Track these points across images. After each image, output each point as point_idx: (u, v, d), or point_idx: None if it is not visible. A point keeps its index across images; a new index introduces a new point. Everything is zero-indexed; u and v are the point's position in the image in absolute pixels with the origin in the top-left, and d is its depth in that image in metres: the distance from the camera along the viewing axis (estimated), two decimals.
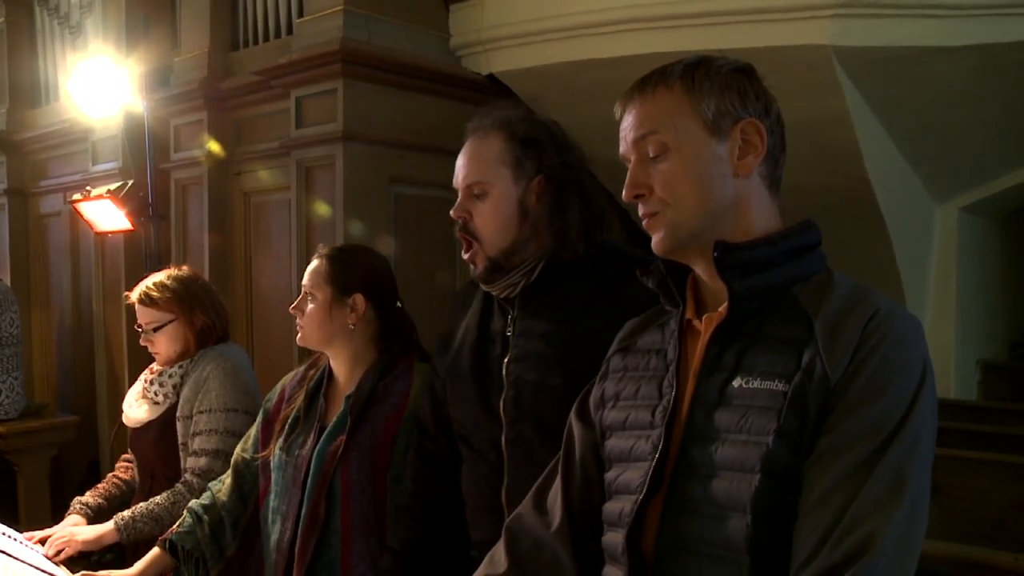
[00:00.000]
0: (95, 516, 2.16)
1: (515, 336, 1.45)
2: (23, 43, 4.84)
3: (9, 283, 4.32)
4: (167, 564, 1.88)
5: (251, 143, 3.44)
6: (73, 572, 1.82)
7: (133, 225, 3.60)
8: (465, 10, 3.25)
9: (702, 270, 1.09)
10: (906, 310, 1.01)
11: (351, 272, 1.84)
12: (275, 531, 1.83)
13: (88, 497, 2.22)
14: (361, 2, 2.94)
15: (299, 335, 1.87)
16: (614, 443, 1.13)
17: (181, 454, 2.13)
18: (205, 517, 1.90)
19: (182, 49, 3.67)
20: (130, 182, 3.61)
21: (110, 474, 2.35)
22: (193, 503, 1.93)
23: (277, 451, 1.87)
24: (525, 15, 3.09)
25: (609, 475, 1.13)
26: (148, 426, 2.19)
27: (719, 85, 1.05)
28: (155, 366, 2.26)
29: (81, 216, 3.84)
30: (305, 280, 1.87)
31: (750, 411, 0.97)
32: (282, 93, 3.13)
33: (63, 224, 4.61)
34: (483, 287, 1.52)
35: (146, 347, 2.22)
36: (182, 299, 2.17)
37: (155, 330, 2.16)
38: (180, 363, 2.19)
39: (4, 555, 1.58)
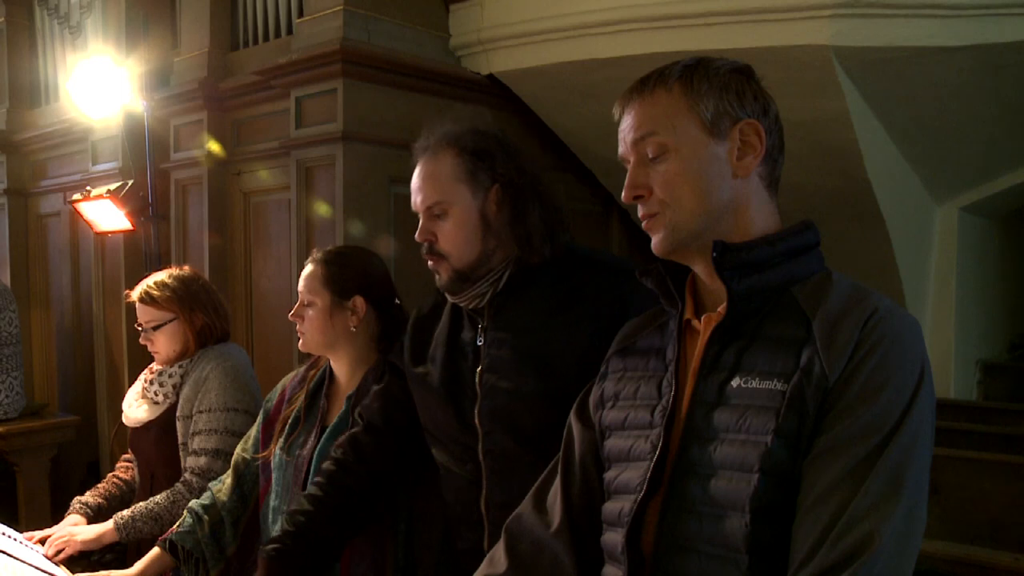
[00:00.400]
0: (95, 516, 2.16)
1: (486, 346, 1.45)
2: (23, 43, 4.84)
3: (9, 283, 4.32)
4: (167, 564, 1.88)
5: (251, 143, 3.44)
6: (73, 572, 1.82)
7: (133, 225, 3.60)
8: (465, 10, 3.25)
9: (701, 270, 1.09)
10: (904, 310, 1.01)
11: (348, 275, 1.84)
12: (276, 531, 1.82)
13: (88, 497, 2.22)
14: (361, 2, 2.94)
15: (301, 341, 1.85)
16: (613, 443, 1.14)
17: (181, 454, 2.13)
18: (205, 517, 1.90)
19: (182, 49, 3.67)
20: (130, 182, 3.61)
21: (110, 474, 2.35)
22: (193, 503, 1.93)
23: (277, 451, 1.87)
24: (525, 15, 3.09)
25: (608, 475, 1.13)
26: (148, 426, 2.19)
27: (718, 86, 1.05)
28: (155, 366, 2.26)
29: (81, 216, 3.84)
30: (301, 287, 1.85)
31: (749, 410, 0.97)
32: (282, 93, 3.13)
33: (63, 224, 4.61)
34: (450, 299, 1.52)
35: (146, 346, 2.22)
36: (182, 298, 2.17)
37: (154, 329, 2.16)
38: (180, 363, 2.19)
39: (4, 555, 1.58)
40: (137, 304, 2.18)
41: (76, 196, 3.76)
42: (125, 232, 3.72)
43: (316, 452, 1.79)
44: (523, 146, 3.31)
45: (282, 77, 3.06)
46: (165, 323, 2.16)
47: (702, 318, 1.07)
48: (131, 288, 2.25)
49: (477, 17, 3.22)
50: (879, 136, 3.14)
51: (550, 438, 1.33)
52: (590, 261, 1.49)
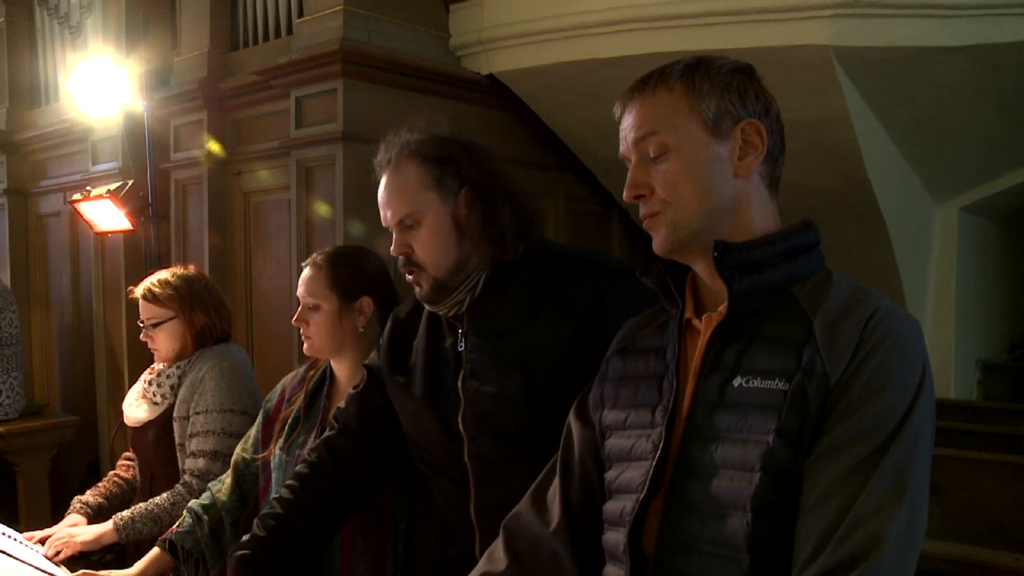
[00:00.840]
0: (95, 515, 2.16)
1: (467, 351, 1.44)
2: (23, 43, 4.84)
3: (9, 283, 4.32)
4: (167, 564, 1.88)
5: (251, 143, 3.44)
6: (73, 572, 1.82)
7: (133, 225, 3.60)
8: (465, 10, 3.25)
9: (702, 270, 1.09)
10: (905, 310, 1.01)
11: (354, 276, 1.83)
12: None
13: (88, 496, 2.22)
14: (361, 2, 2.94)
15: (306, 346, 1.84)
16: (614, 443, 1.14)
17: (179, 455, 2.13)
18: (205, 517, 1.90)
19: (182, 49, 3.67)
20: (130, 182, 3.60)
21: (111, 472, 2.35)
22: (193, 503, 1.93)
23: (277, 451, 1.87)
24: (525, 15, 3.09)
25: (609, 474, 1.13)
26: (147, 426, 2.20)
27: (719, 85, 1.04)
28: (156, 365, 2.26)
29: (81, 216, 3.84)
30: (302, 291, 1.83)
31: (750, 410, 0.97)
32: (282, 93, 3.13)
33: (63, 224, 4.61)
34: (429, 308, 1.50)
35: (146, 344, 2.22)
36: (183, 297, 2.17)
37: (154, 326, 2.17)
38: (178, 363, 2.19)
39: (4, 555, 1.58)
40: (140, 300, 2.19)
41: (76, 196, 3.76)
42: (125, 232, 3.72)
43: None
44: (512, 142, 3.27)
45: (282, 77, 3.06)
46: (165, 321, 2.17)
47: (703, 318, 1.07)
48: (132, 287, 2.25)
49: (477, 17, 3.22)
50: (879, 136, 3.14)
51: (536, 440, 1.34)
52: (564, 257, 1.48)
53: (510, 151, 3.52)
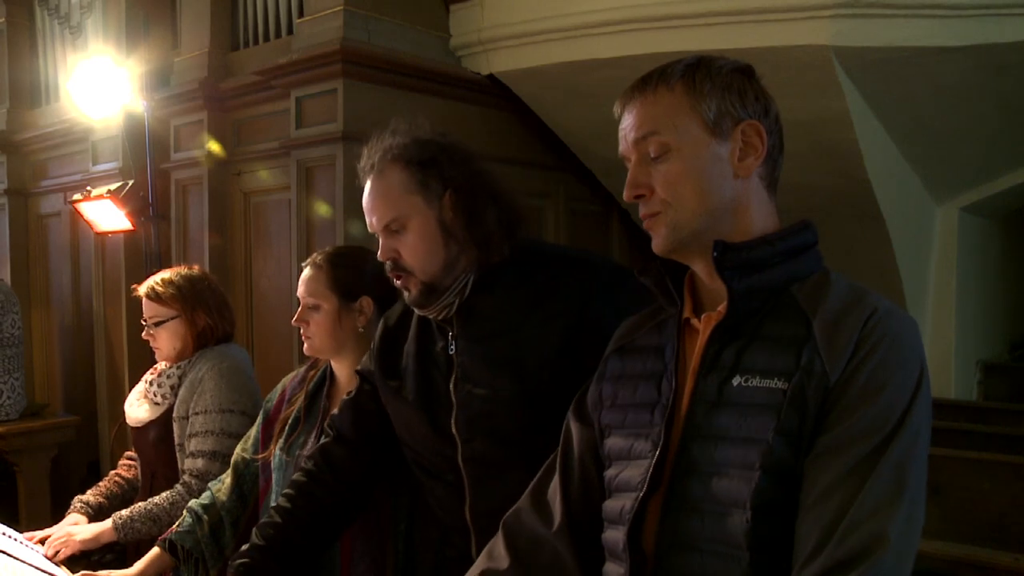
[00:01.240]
0: (96, 514, 2.16)
1: (458, 354, 1.43)
2: (23, 43, 4.84)
3: (9, 283, 4.32)
4: (167, 564, 1.88)
5: (251, 143, 3.44)
6: (73, 572, 1.82)
7: (133, 225, 3.60)
8: (465, 10, 3.25)
9: (701, 269, 1.09)
10: (903, 310, 1.01)
11: (354, 276, 1.83)
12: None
13: (89, 495, 2.22)
14: (361, 2, 2.95)
15: (306, 346, 1.84)
16: (613, 442, 1.14)
17: (178, 455, 2.13)
18: (204, 516, 1.90)
19: (182, 49, 3.68)
20: (130, 182, 3.61)
21: (112, 472, 2.35)
22: (192, 503, 1.93)
23: (277, 451, 1.87)
24: (525, 15, 3.10)
25: (609, 473, 1.13)
26: (148, 426, 2.20)
27: (720, 86, 1.05)
28: (158, 366, 2.26)
29: (81, 216, 3.84)
30: (303, 291, 1.83)
31: (749, 409, 0.97)
32: (282, 93, 3.13)
33: (63, 224, 4.61)
34: (418, 312, 1.49)
35: (146, 344, 2.23)
36: (186, 297, 2.18)
37: (156, 325, 2.18)
38: (179, 364, 2.19)
39: (4, 555, 1.58)
40: (143, 299, 2.20)
41: (76, 196, 3.76)
42: (125, 232, 3.72)
43: None
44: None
45: (282, 77, 3.06)
46: (167, 320, 2.17)
47: (702, 317, 1.08)
48: (136, 285, 2.25)
49: (477, 17, 3.22)
50: (879, 136, 3.14)
51: (530, 441, 1.34)
52: (552, 257, 1.48)
53: (510, 151, 3.52)
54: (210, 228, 3.52)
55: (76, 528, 2.04)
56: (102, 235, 3.95)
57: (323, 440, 1.65)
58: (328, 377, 1.91)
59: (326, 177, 3.00)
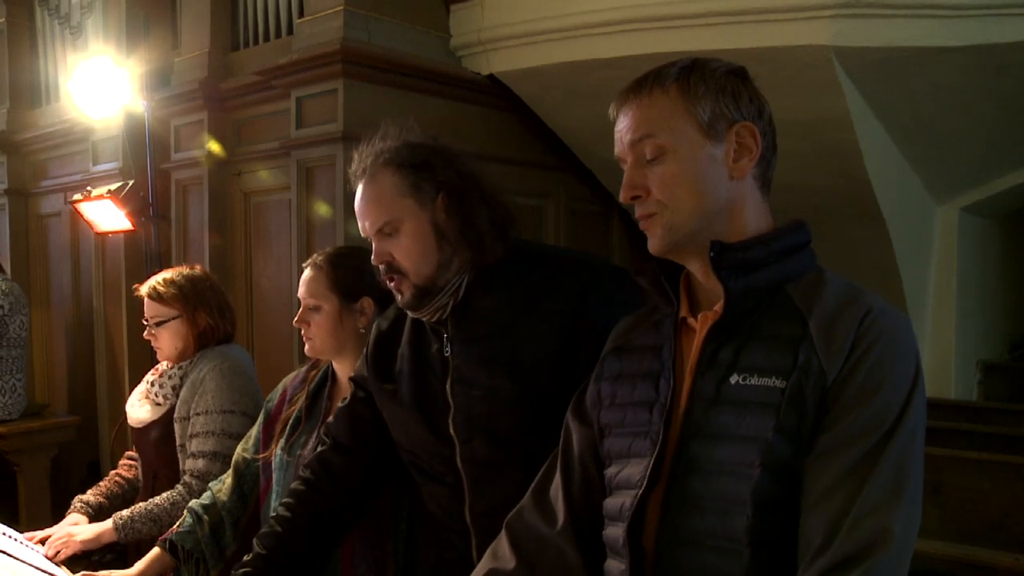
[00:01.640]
0: (96, 514, 2.16)
1: (454, 356, 1.44)
2: (23, 43, 4.84)
3: None
4: (167, 564, 1.88)
5: (251, 143, 3.44)
6: (74, 572, 1.82)
7: (133, 225, 3.60)
8: (465, 10, 3.25)
9: (697, 269, 1.11)
10: (896, 308, 1.03)
11: (354, 276, 1.82)
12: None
13: (89, 495, 2.22)
14: (361, 2, 2.95)
15: (308, 347, 1.84)
16: (613, 441, 1.15)
17: (179, 455, 2.13)
18: (205, 517, 1.90)
19: (182, 49, 3.68)
20: (130, 182, 3.61)
21: (112, 472, 2.35)
22: (193, 503, 1.93)
23: (278, 451, 1.87)
24: (525, 15, 3.10)
25: (609, 471, 1.15)
26: (150, 427, 2.20)
27: (714, 88, 1.06)
28: (160, 366, 2.26)
29: (82, 216, 3.85)
30: (303, 292, 1.83)
31: (748, 408, 0.99)
32: (282, 93, 3.13)
33: (63, 224, 4.61)
34: (412, 314, 1.50)
35: (147, 344, 2.23)
36: (187, 297, 2.18)
37: (157, 325, 2.18)
38: (180, 364, 2.19)
39: (4, 555, 1.59)
40: (144, 299, 2.20)
41: (77, 196, 3.76)
42: (125, 232, 3.72)
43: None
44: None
45: (282, 77, 3.06)
46: (168, 320, 2.17)
47: (698, 316, 1.09)
48: (137, 285, 2.26)
49: (477, 17, 3.22)
50: (879, 136, 3.14)
51: (528, 439, 1.34)
52: (545, 257, 1.48)
53: (510, 151, 3.52)
54: (210, 228, 3.52)
55: (77, 528, 2.04)
56: (102, 235, 3.95)
57: (320, 448, 1.65)
58: (330, 377, 1.91)
59: (326, 177, 3.00)
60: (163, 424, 2.17)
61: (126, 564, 1.90)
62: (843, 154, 3.08)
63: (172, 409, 2.16)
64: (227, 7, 3.53)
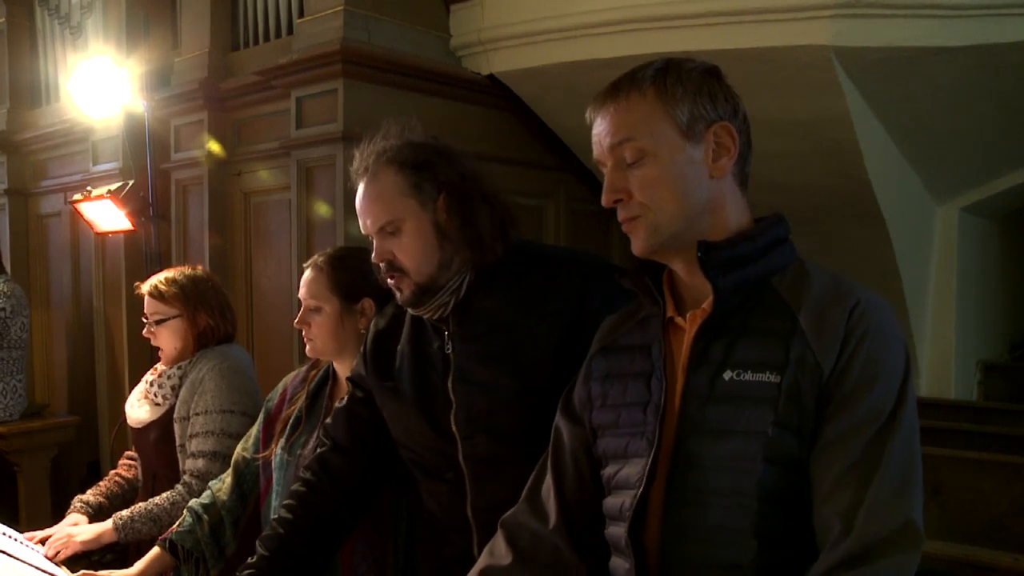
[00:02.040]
0: (96, 514, 2.16)
1: (455, 353, 1.45)
2: (23, 43, 4.84)
3: None
4: (167, 563, 1.88)
5: (251, 143, 3.44)
6: (74, 572, 1.82)
7: (133, 225, 3.60)
8: (465, 10, 3.25)
9: (681, 268, 1.12)
10: (879, 296, 1.05)
11: (355, 277, 1.82)
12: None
13: (89, 495, 2.22)
14: (361, 2, 2.95)
15: (309, 348, 1.84)
16: (608, 442, 1.16)
17: (179, 456, 2.13)
18: (205, 516, 1.90)
19: (182, 49, 3.68)
20: (130, 182, 3.61)
21: (112, 471, 2.35)
22: (193, 502, 1.93)
23: (279, 451, 1.87)
24: (525, 15, 3.10)
25: (607, 471, 1.15)
26: (149, 427, 2.20)
27: (691, 89, 1.07)
28: (159, 366, 2.26)
29: (82, 216, 3.85)
30: (304, 293, 1.83)
31: (744, 403, 1.01)
32: (282, 93, 3.13)
33: (63, 224, 4.61)
34: (412, 312, 1.51)
35: (147, 343, 2.23)
36: (188, 297, 2.18)
37: (158, 323, 2.18)
38: (179, 364, 2.19)
39: (4, 555, 1.59)
40: (145, 296, 2.20)
41: (77, 196, 3.76)
42: (126, 232, 3.72)
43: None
44: (511, 143, 3.26)
45: (282, 77, 3.06)
46: (169, 319, 2.17)
47: (687, 315, 1.11)
48: (139, 283, 2.26)
49: (477, 17, 3.22)
50: (879, 136, 3.14)
51: (529, 435, 1.35)
52: (545, 257, 1.50)
53: (510, 151, 3.52)
54: (210, 228, 3.52)
55: (76, 528, 2.04)
56: (102, 235, 3.95)
57: (319, 450, 1.66)
58: (330, 377, 1.91)
59: (326, 177, 3.00)
60: (162, 424, 2.17)
61: (126, 564, 1.90)
62: (843, 154, 3.08)
63: (171, 409, 2.16)
64: (227, 7, 3.53)
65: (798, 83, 2.75)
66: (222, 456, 2.04)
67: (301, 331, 1.87)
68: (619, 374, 1.17)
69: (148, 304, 2.19)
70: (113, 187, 3.59)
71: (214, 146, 3.47)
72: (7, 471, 3.89)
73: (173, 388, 2.17)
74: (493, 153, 3.34)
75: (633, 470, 1.09)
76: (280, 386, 2.01)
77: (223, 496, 1.93)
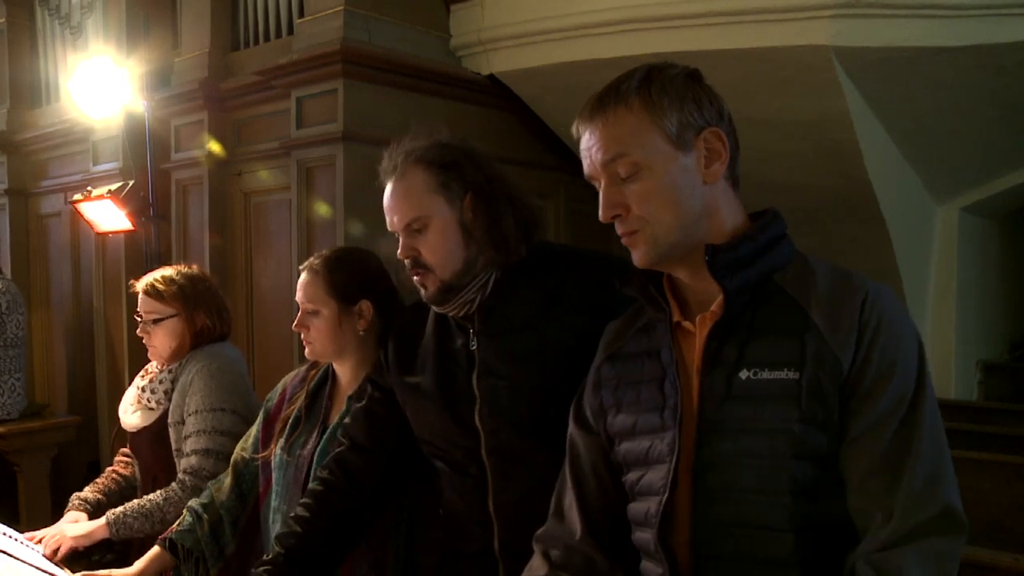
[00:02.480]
0: (95, 511, 2.15)
1: (480, 350, 1.47)
2: (24, 43, 4.84)
3: None
4: (167, 563, 1.88)
5: (251, 143, 3.44)
6: (74, 572, 1.82)
7: (134, 225, 3.60)
8: (465, 10, 3.25)
9: (684, 274, 1.14)
10: (883, 284, 1.08)
11: (352, 280, 1.82)
12: (276, 531, 1.82)
13: (87, 492, 2.21)
14: (361, 2, 2.95)
15: (308, 350, 1.84)
16: (628, 447, 1.16)
17: (176, 459, 2.12)
18: (204, 516, 1.90)
19: (182, 49, 3.68)
20: (131, 182, 3.61)
21: (109, 468, 2.34)
22: (192, 502, 1.93)
23: (278, 451, 1.87)
24: (525, 15, 3.10)
25: (630, 477, 1.16)
26: (144, 432, 2.18)
27: (677, 97, 1.08)
28: (150, 367, 2.25)
29: (82, 216, 3.85)
30: (301, 296, 1.83)
31: (764, 401, 1.02)
32: (282, 93, 3.13)
33: (64, 224, 4.61)
34: (436, 309, 1.52)
35: (142, 338, 2.20)
36: (187, 296, 2.17)
37: (154, 322, 2.15)
38: (170, 368, 2.17)
39: (4, 555, 1.59)
40: (140, 295, 2.18)
41: (77, 196, 3.76)
42: (126, 232, 3.73)
43: (317, 452, 1.79)
44: (513, 144, 3.27)
45: (283, 77, 3.06)
46: (165, 318, 2.15)
47: (696, 319, 1.11)
48: (134, 280, 2.23)
49: (478, 17, 3.22)
50: (879, 136, 3.14)
51: (552, 431, 1.36)
52: (568, 257, 1.53)
53: (510, 151, 3.52)
54: (210, 228, 3.52)
55: (68, 526, 2.03)
56: (102, 235, 3.95)
57: (338, 449, 1.67)
58: (330, 377, 1.91)
59: (326, 177, 3.00)
60: (157, 429, 2.15)
61: (127, 564, 1.90)
62: (843, 154, 3.08)
63: (165, 413, 2.14)
64: (227, 7, 3.53)
65: (798, 83, 2.75)
66: (215, 453, 2.04)
67: (300, 334, 1.86)
68: (630, 380, 1.18)
69: (144, 303, 2.17)
70: (113, 187, 3.59)
71: (214, 146, 3.47)
72: (7, 471, 3.89)
73: (166, 392, 2.15)
74: (493, 153, 3.25)
75: (656, 475, 1.09)
76: (280, 386, 2.01)
77: (222, 496, 1.93)
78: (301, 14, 3.11)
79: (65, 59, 4.49)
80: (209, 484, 1.98)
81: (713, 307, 1.08)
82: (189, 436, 2.07)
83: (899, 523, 0.95)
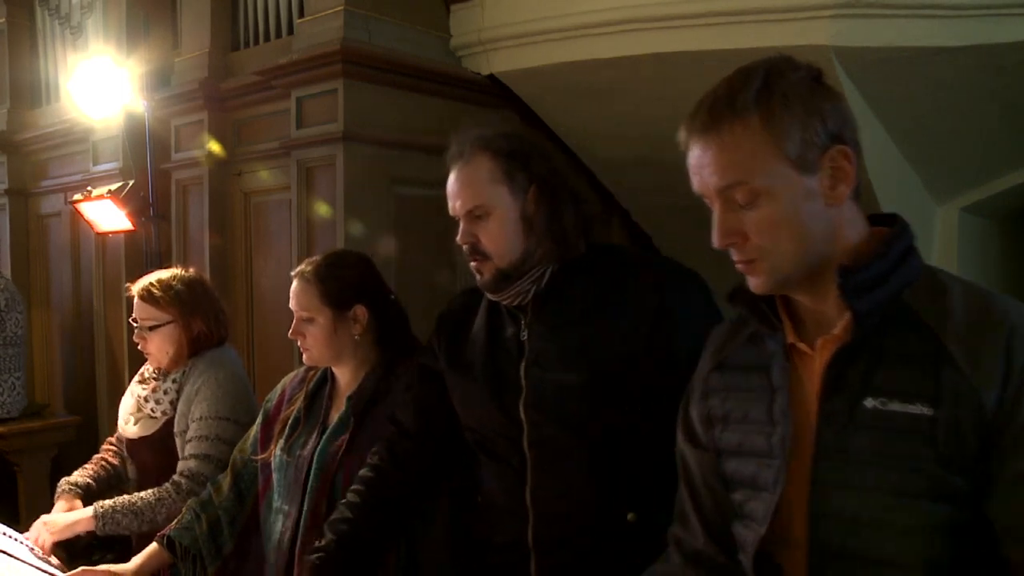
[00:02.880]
0: (85, 496, 2.11)
1: (531, 340, 1.48)
2: (24, 43, 4.84)
3: None
4: (164, 560, 1.88)
5: (251, 143, 3.44)
6: (72, 569, 1.82)
7: (134, 225, 3.60)
8: (465, 10, 3.25)
9: (804, 297, 1.07)
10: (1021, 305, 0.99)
11: (345, 286, 1.82)
12: (276, 531, 1.83)
13: (77, 476, 2.17)
14: (361, 2, 2.94)
15: (305, 356, 1.85)
16: (735, 467, 1.13)
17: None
18: (203, 514, 1.90)
19: (182, 49, 3.68)
20: (131, 182, 3.61)
21: (97, 455, 2.29)
22: (191, 501, 1.93)
23: (278, 451, 1.87)
24: (525, 15, 3.09)
25: (736, 496, 1.13)
26: (144, 440, 2.16)
27: (800, 112, 0.99)
28: (147, 371, 2.23)
29: (82, 216, 3.85)
30: (295, 304, 1.83)
31: (893, 435, 0.96)
32: (282, 93, 3.13)
33: (64, 224, 4.61)
34: (491, 296, 1.54)
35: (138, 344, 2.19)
36: (184, 302, 2.14)
37: (150, 329, 2.13)
38: (174, 377, 2.15)
39: (4, 555, 1.59)
40: (136, 300, 2.15)
41: (77, 196, 3.76)
42: (126, 232, 3.72)
43: (316, 453, 1.79)
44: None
45: (283, 77, 3.06)
46: (162, 324, 2.13)
47: (817, 342, 1.05)
48: (127, 285, 2.21)
49: (478, 17, 3.22)
50: (879, 136, 3.14)
51: (594, 427, 1.39)
52: (625, 257, 1.55)
53: None
54: (210, 228, 3.52)
55: (48, 520, 1.98)
56: (102, 235, 3.95)
57: (388, 436, 1.69)
58: (329, 379, 1.91)
59: (326, 177, 3.00)
60: (159, 438, 2.13)
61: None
62: None
63: (169, 423, 2.13)
64: (227, 7, 3.53)
65: None
66: (215, 460, 2.03)
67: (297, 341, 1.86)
68: (737, 394, 1.13)
69: (140, 308, 2.14)
70: (113, 187, 3.59)
71: (214, 146, 3.47)
72: (7, 471, 3.89)
73: (172, 403, 2.13)
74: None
75: (759, 505, 1.06)
76: (279, 387, 2.01)
77: (221, 496, 1.93)
78: (301, 14, 3.11)
79: (65, 59, 4.48)
80: (208, 484, 1.98)
81: (836, 330, 1.02)
82: (191, 440, 2.06)
83: None
